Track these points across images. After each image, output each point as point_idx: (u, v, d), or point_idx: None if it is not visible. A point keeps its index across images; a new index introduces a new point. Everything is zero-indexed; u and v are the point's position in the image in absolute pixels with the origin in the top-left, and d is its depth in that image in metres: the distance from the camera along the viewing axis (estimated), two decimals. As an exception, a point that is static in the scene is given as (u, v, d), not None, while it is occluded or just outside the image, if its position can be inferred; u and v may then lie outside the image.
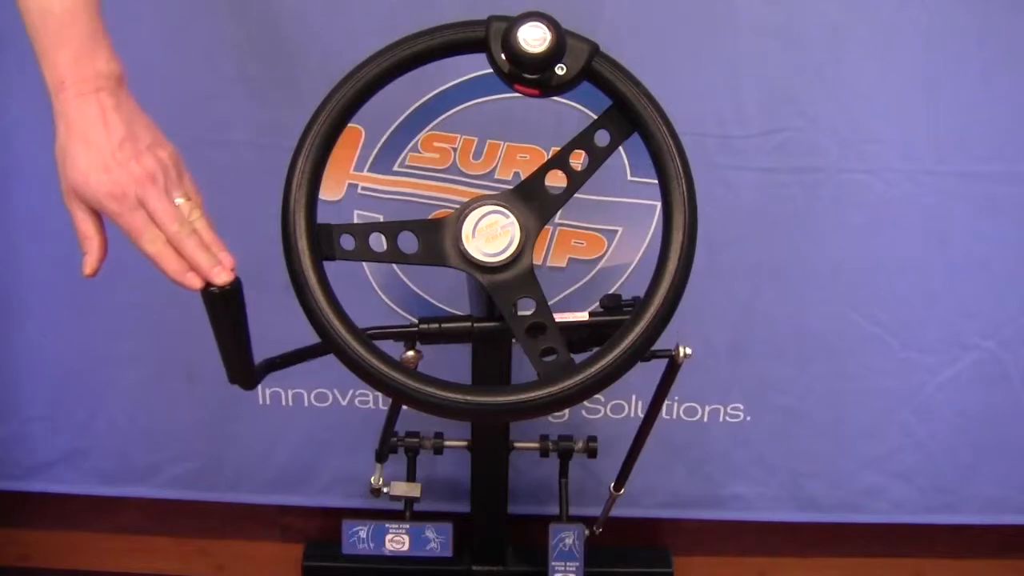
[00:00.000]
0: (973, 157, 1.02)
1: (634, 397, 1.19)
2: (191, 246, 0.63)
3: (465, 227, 0.70)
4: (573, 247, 1.09)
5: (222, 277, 0.64)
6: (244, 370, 0.67)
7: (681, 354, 0.80)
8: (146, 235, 0.62)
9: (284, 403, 1.20)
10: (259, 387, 1.18)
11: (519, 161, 1.05)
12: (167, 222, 0.62)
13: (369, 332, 0.73)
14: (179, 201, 0.64)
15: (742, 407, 1.20)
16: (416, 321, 0.77)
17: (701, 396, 1.19)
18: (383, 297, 1.12)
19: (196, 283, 0.64)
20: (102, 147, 0.60)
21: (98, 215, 0.64)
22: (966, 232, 1.07)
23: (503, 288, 0.70)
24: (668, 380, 0.83)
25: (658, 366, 0.85)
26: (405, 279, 1.11)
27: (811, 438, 1.21)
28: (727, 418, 1.20)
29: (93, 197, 0.61)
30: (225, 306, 0.65)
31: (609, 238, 1.09)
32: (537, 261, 1.08)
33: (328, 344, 0.65)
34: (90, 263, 0.65)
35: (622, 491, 0.99)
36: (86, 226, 0.63)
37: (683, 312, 0.69)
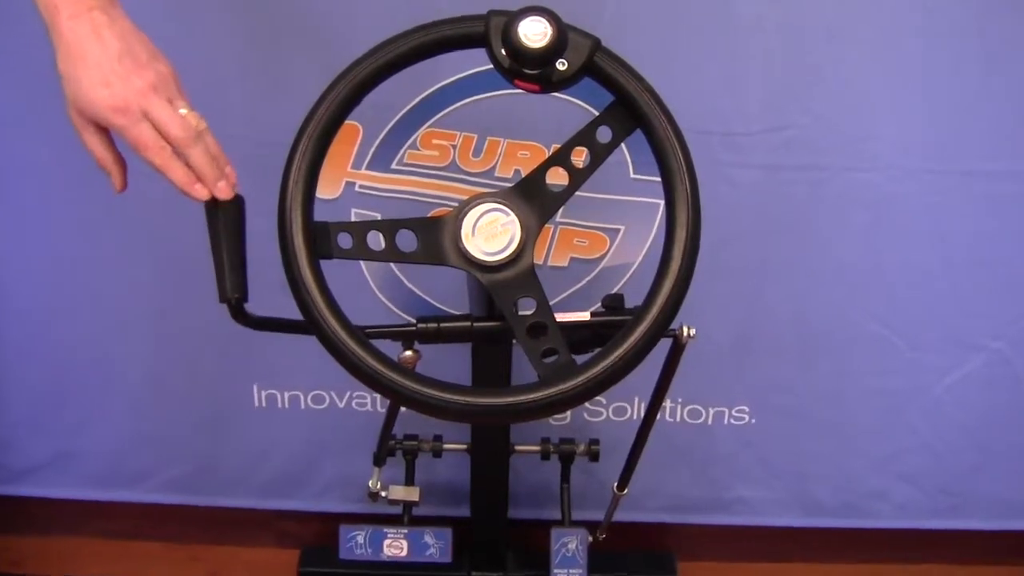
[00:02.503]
0: (978, 155, 1.03)
1: (637, 399, 1.19)
2: (199, 154, 0.65)
3: (464, 225, 0.70)
4: (575, 246, 1.10)
5: (228, 191, 0.66)
6: (236, 289, 0.67)
7: (685, 334, 0.80)
8: (153, 146, 0.63)
9: (280, 405, 1.21)
10: (255, 390, 1.20)
11: (519, 158, 1.05)
12: (173, 129, 0.63)
13: (367, 332, 0.73)
14: (183, 111, 0.65)
15: (747, 409, 1.20)
16: (414, 321, 0.77)
17: (705, 398, 1.20)
18: (381, 296, 1.13)
19: (203, 193, 0.65)
20: (101, 63, 0.61)
21: (106, 132, 0.65)
22: (972, 231, 1.07)
23: (503, 287, 0.70)
24: (672, 363, 0.83)
25: (659, 361, 0.85)
26: (403, 278, 1.12)
27: (817, 440, 1.21)
28: (732, 420, 1.21)
29: (98, 113, 0.62)
30: (228, 221, 0.67)
31: (611, 237, 1.09)
32: (538, 260, 1.08)
33: (325, 344, 0.66)
34: (117, 181, 0.67)
35: (626, 491, 1.00)
36: (97, 147, 0.65)
37: (686, 312, 0.69)
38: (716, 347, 1.15)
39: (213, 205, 0.67)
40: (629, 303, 0.78)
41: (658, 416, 0.91)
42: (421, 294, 1.13)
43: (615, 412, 1.21)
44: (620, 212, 1.07)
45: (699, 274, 0.69)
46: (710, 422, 1.21)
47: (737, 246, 1.09)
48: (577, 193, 0.72)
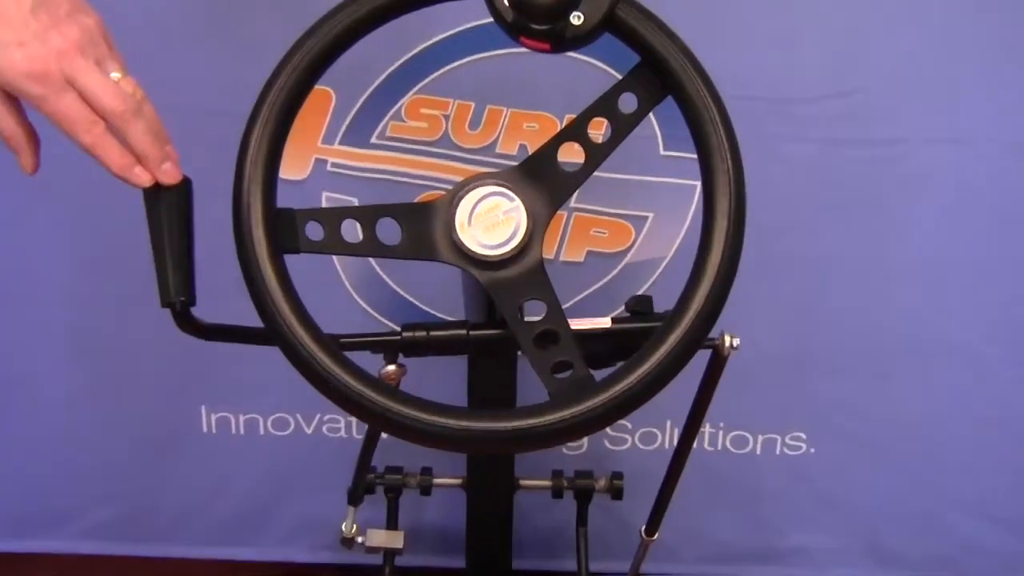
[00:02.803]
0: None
1: (669, 423, 1.21)
2: (138, 130, 0.64)
3: (459, 213, 0.71)
4: (592, 237, 1.11)
5: (174, 173, 0.66)
6: (182, 291, 0.68)
7: (727, 344, 0.80)
8: (81, 121, 0.62)
9: (234, 431, 1.22)
10: (203, 412, 1.21)
11: (526, 132, 1.07)
12: (106, 98, 0.62)
13: (340, 341, 0.74)
14: (115, 76, 0.64)
15: (804, 436, 1.21)
16: (399, 328, 0.78)
17: (753, 422, 1.21)
18: (358, 299, 1.14)
19: (144, 178, 0.65)
20: (11, 18, 0.60)
21: (16, 101, 0.63)
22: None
23: (506, 288, 0.70)
24: (712, 379, 0.83)
25: (697, 376, 0.85)
26: (385, 277, 1.13)
27: (892, 476, 1.22)
28: (785, 450, 1.22)
29: (10, 80, 0.61)
30: (172, 209, 0.67)
31: (637, 226, 1.10)
32: (548, 255, 1.08)
33: (290, 356, 0.66)
34: (27, 161, 0.66)
35: (655, 536, 0.99)
36: (5, 119, 0.63)
37: (729, 317, 0.69)
38: (766, 360, 1.16)
39: (155, 191, 0.67)
40: (659, 306, 0.79)
41: (695, 444, 0.91)
42: (407, 296, 1.14)
43: (642, 439, 1.22)
44: (648, 196, 1.08)
45: (744, 271, 0.69)
46: (759, 452, 1.22)
47: (791, 237, 1.10)
48: (595, 174, 0.72)
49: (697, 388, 0.85)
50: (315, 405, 1.19)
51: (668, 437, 1.22)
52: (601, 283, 1.13)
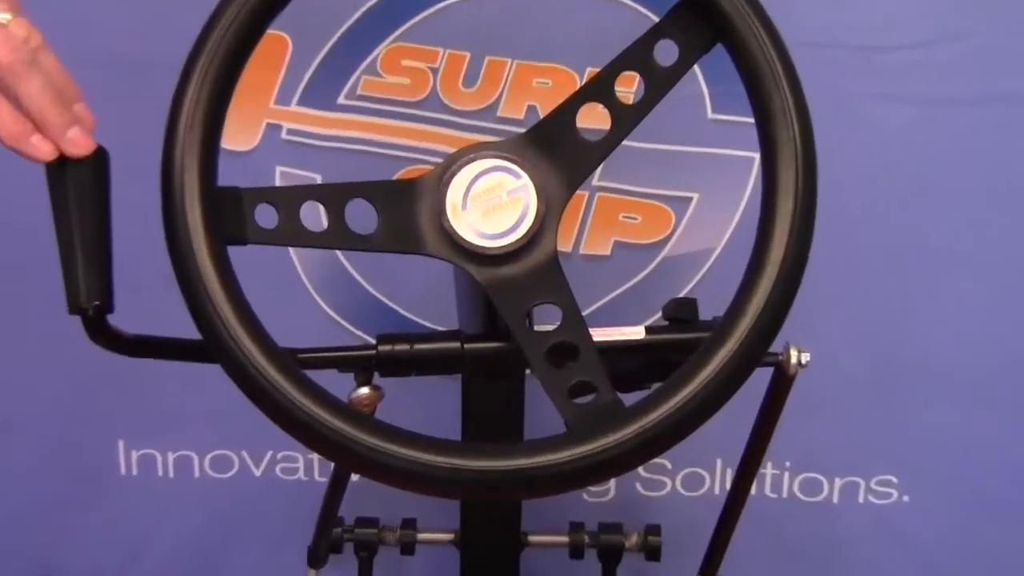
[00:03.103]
0: None
1: (719, 463, 1.20)
2: (35, 88, 0.64)
3: (452, 193, 0.71)
4: (621, 224, 1.11)
5: (84, 142, 0.66)
6: (95, 294, 0.67)
7: (794, 361, 0.80)
8: None
9: (161, 472, 1.22)
10: (121, 449, 1.22)
11: (536, 90, 1.07)
12: None
13: (300, 357, 0.74)
14: (5, 19, 0.64)
15: (895, 480, 1.21)
16: (373, 341, 0.78)
17: (828, 462, 1.20)
18: (322, 303, 1.14)
19: (45, 150, 0.65)
20: None
21: None
22: None
23: (511, 289, 0.71)
24: (775, 406, 0.83)
25: (756, 403, 0.85)
26: (356, 275, 1.13)
27: (1008, 531, 1.21)
28: (871, 497, 1.22)
29: None
30: (83, 189, 0.67)
31: (679, 210, 1.10)
32: (564, 247, 1.08)
33: (234, 375, 0.66)
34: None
35: (705, 606, 1.00)
36: None
37: (796, 326, 0.69)
38: (844, 381, 1.16)
39: (60, 166, 0.67)
40: (704, 312, 0.79)
41: (753, 489, 0.92)
42: (383, 299, 1.14)
43: (685, 483, 1.22)
44: (692, 171, 1.08)
45: (815, 269, 0.68)
46: (836, 499, 1.22)
47: (877, 224, 1.10)
48: (625, 143, 0.72)
49: (756, 417, 0.84)
50: (266, 439, 1.19)
51: (718, 480, 1.21)
52: (632, 283, 1.14)
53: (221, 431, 1.20)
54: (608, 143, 0.72)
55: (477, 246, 0.71)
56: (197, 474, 1.22)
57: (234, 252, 0.67)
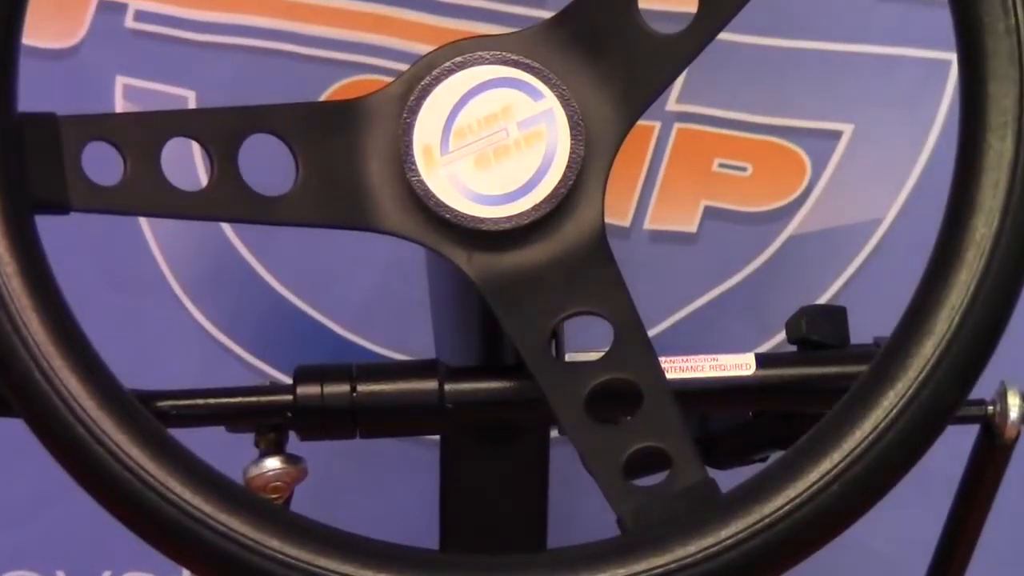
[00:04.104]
0: None
1: None
2: None
3: (423, 125, 0.58)
4: (717, 179, 0.97)
5: None
6: None
7: (1014, 412, 0.69)
8: None
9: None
10: None
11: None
12: None
13: (158, 406, 0.62)
14: None
15: None
16: (288, 380, 0.67)
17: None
18: (196, 313, 0.99)
19: None
20: None
21: None
22: None
23: (524, 291, 0.58)
24: (983, 483, 0.73)
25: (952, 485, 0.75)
26: (259, 267, 0.98)
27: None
28: None
29: None
30: None
31: (818, 154, 0.96)
32: (617, 219, 0.95)
33: (42, 431, 0.55)
34: None
35: None
36: None
37: (1010, 361, 0.60)
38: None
39: None
40: (859, 333, 0.68)
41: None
42: (304, 308, 0.99)
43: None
44: (842, 87, 0.95)
45: None
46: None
47: None
48: (721, 37, 0.59)
49: (952, 502, 0.75)
50: (110, 549, 1.02)
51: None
52: (735, 280, 0.97)
53: (31, 534, 1.03)
54: (694, 38, 0.59)
55: (466, 217, 0.58)
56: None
57: (47, 225, 0.57)
